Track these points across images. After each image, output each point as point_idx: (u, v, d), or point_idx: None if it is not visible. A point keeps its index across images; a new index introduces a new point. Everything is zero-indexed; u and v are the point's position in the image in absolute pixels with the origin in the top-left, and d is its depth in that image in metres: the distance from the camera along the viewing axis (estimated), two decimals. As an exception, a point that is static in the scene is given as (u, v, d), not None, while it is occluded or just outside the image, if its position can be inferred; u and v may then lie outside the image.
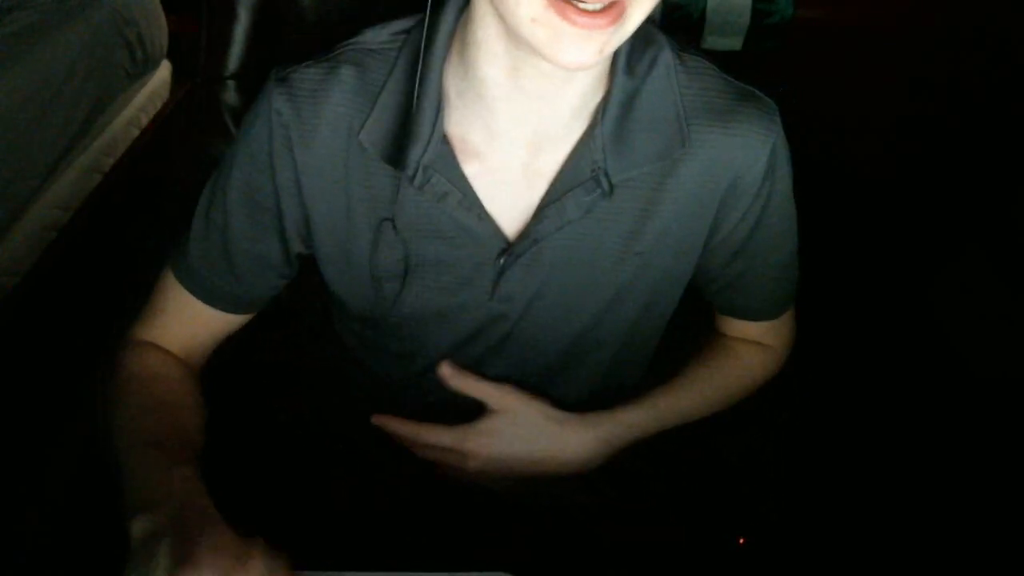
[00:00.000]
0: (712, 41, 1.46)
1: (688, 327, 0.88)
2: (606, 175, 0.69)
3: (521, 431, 0.77)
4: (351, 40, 0.71)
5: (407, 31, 0.70)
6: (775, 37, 1.46)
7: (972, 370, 1.43)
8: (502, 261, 0.71)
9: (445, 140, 0.68)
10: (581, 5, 0.54)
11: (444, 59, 0.68)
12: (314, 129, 0.69)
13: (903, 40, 1.51)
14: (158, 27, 1.62)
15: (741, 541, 0.84)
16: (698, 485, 0.89)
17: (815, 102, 1.56)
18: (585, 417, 0.78)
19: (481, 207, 0.70)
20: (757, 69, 1.48)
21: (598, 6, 0.54)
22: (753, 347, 0.88)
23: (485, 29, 0.63)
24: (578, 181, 0.69)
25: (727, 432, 0.92)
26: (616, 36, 0.57)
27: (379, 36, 0.71)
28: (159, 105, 1.70)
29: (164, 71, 1.71)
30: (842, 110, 1.60)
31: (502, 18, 0.59)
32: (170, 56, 1.70)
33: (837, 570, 1.17)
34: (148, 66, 1.61)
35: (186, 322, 0.78)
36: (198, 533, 0.58)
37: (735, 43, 1.46)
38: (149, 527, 0.59)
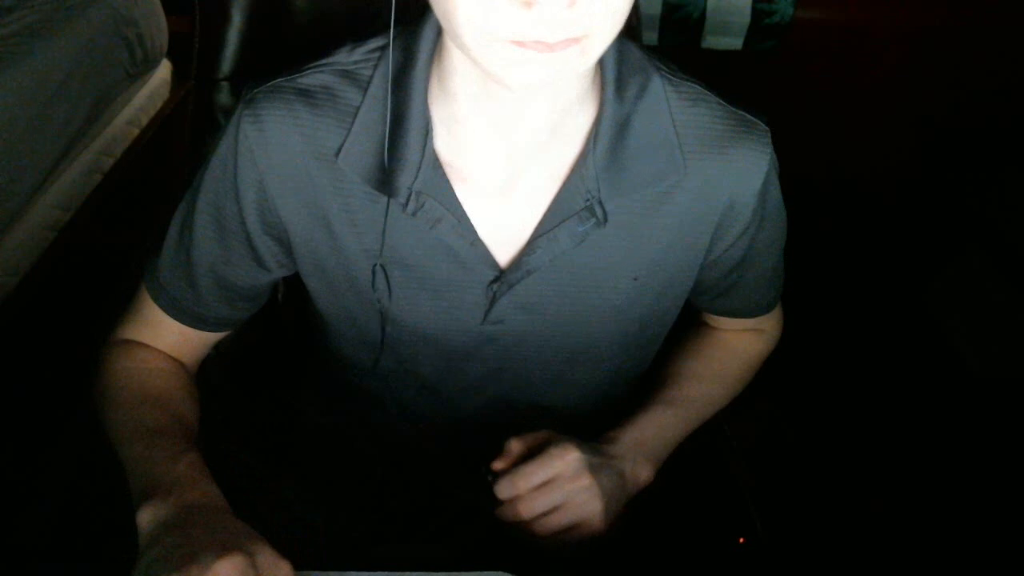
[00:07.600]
0: (712, 41, 1.47)
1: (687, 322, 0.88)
2: (600, 204, 0.68)
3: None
4: (322, 60, 0.69)
5: (380, 49, 0.68)
6: (775, 37, 1.46)
7: (969, 368, 1.43)
8: (494, 288, 0.71)
9: (437, 164, 0.67)
10: (533, 40, 0.52)
11: (427, 81, 0.66)
12: (282, 151, 0.67)
13: (903, 41, 1.51)
14: (158, 27, 1.62)
15: (741, 541, 0.84)
16: (698, 485, 0.89)
17: (815, 102, 1.56)
18: (610, 464, 0.74)
19: (474, 233, 0.69)
20: (757, 69, 1.49)
21: (551, 41, 0.52)
22: (744, 333, 0.89)
23: (455, 57, 0.62)
24: (571, 211, 0.68)
25: (727, 432, 0.92)
26: (576, 60, 0.55)
27: (351, 55, 0.69)
28: (159, 105, 1.70)
29: (164, 71, 1.71)
30: (842, 110, 1.60)
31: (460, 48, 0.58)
32: (170, 56, 1.70)
33: (837, 570, 1.18)
34: (148, 66, 1.61)
35: (163, 333, 0.78)
36: (205, 523, 0.58)
37: (735, 43, 1.46)
38: (158, 516, 0.59)
